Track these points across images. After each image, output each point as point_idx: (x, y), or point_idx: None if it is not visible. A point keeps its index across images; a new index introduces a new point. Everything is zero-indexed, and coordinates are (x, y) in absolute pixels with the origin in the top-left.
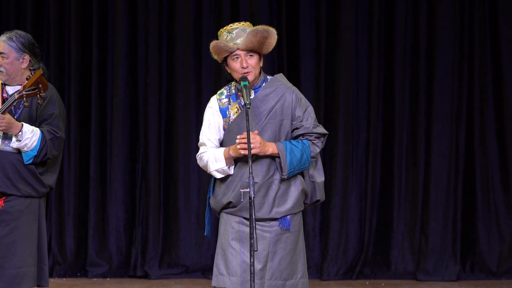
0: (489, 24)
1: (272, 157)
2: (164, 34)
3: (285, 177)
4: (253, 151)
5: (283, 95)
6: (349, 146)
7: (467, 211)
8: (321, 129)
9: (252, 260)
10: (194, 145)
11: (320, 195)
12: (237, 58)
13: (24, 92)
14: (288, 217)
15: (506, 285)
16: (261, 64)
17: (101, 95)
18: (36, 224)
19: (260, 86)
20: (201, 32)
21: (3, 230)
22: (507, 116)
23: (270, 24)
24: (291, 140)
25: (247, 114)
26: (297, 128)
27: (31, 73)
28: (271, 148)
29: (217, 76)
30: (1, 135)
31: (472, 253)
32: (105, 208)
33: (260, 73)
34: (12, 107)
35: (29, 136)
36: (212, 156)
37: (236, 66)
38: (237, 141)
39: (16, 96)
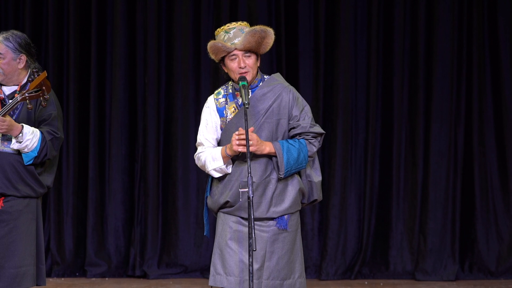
0: (487, 24)
1: (269, 156)
2: (163, 34)
3: (282, 176)
4: (250, 149)
5: (280, 95)
6: (348, 146)
7: (466, 211)
8: (318, 129)
9: (250, 260)
10: (193, 145)
11: (317, 195)
12: (234, 58)
13: (27, 94)
14: (285, 216)
15: (504, 285)
16: (258, 64)
17: (100, 95)
18: (35, 223)
19: (257, 86)
20: (199, 32)
21: (3, 230)
22: (506, 116)
23: (269, 24)
24: (288, 140)
25: (245, 114)
26: (293, 128)
27: (35, 75)
28: (268, 147)
29: (215, 76)
30: (0, 136)
31: (470, 253)
32: (104, 208)
33: (257, 72)
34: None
35: (30, 138)
36: (209, 156)
37: (233, 66)
38: (234, 137)
39: (19, 98)
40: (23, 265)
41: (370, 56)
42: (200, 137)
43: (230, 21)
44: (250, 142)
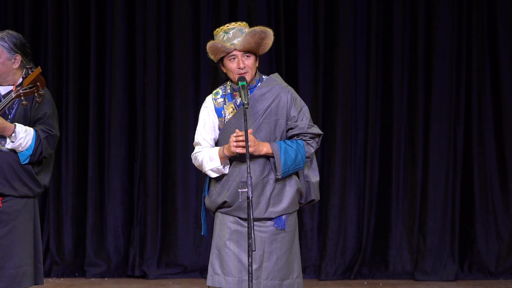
0: (487, 24)
1: (267, 157)
2: (162, 34)
3: (279, 177)
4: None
5: (278, 95)
6: (347, 145)
7: (465, 210)
8: (316, 130)
9: (250, 260)
10: (192, 145)
11: (315, 195)
12: (234, 58)
13: (21, 91)
14: (283, 217)
15: (504, 285)
16: (257, 64)
17: (99, 95)
18: (32, 223)
19: (255, 86)
20: (199, 32)
21: (2, 230)
22: (505, 116)
23: (268, 24)
24: (286, 140)
25: (245, 114)
26: (291, 128)
27: (28, 72)
28: (265, 148)
29: (215, 76)
30: None
31: (470, 252)
32: (103, 208)
33: (256, 73)
34: (6, 108)
35: (23, 136)
36: (207, 156)
37: (232, 66)
38: (232, 139)
39: (14, 95)
40: (23, 265)
41: (370, 56)
42: (197, 137)
43: (229, 21)
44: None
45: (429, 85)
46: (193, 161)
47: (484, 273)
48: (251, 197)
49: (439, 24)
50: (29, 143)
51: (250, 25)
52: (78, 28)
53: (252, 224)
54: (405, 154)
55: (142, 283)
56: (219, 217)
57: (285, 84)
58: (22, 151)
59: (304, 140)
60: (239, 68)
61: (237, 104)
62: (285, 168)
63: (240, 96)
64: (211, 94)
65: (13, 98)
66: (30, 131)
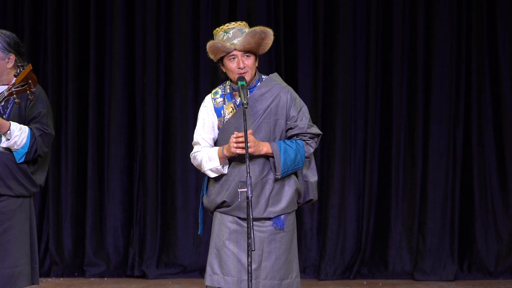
0: (486, 24)
1: (267, 156)
2: (162, 34)
3: (279, 177)
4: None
5: (278, 95)
6: (347, 145)
7: (465, 210)
8: (315, 129)
9: (249, 260)
10: (191, 145)
11: (313, 195)
12: (233, 58)
13: (13, 89)
14: (282, 216)
15: (503, 285)
16: (257, 64)
17: (99, 95)
18: (28, 223)
19: (255, 86)
20: (198, 32)
21: None
22: (505, 116)
23: (268, 24)
24: (285, 140)
25: (244, 114)
26: (291, 128)
27: (20, 70)
28: (265, 148)
29: (214, 76)
30: None
31: (469, 252)
32: (102, 208)
33: (255, 73)
34: (1, 107)
35: (18, 134)
36: (206, 156)
37: (232, 66)
38: (232, 139)
39: (6, 93)
40: (19, 265)
41: (369, 56)
42: (196, 137)
43: (229, 21)
44: (248, 144)
45: (429, 85)
46: (192, 160)
47: (483, 273)
48: (251, 196)
49: (439, 24)
50: (24, 141)
51: (250, 25)
52: (78, 28)
53: (251, 224)
54: (405, 154)
55: (142, 283)
56: (218, 217)
57: (284, 84)
58: (17, 149)
59: (304, 140)
60: (239, 68)
61: (237, 104)
62: (284, 168)
63: (240, 96)
64: (210, 94)
65: (5, 96)
66: (25, 129)
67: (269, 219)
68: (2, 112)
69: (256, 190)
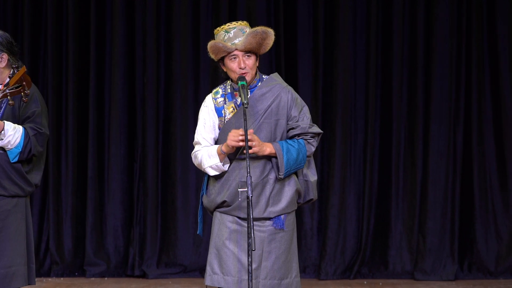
0: (486, 24)
1: (268, 157)
2: (162, 34)
3: (282, 176)
4: (251, 151)
5: (278, 95)
6: (347, 145)
7: (465, 210)
8: (316, 129)
9: (250, 259)
10: (191, 145)
11: (313, 194)
12: (234, 58)
13: (8, 91)
14: (282, 216)
15: (503, 285)
16: (258, 64)
17: (99, 95)
18: (24, 223)
19: (256, 86)
20: (198, 32)
21: None
22: (505, 116)
23: (268, 24)
24: (287, 140)
25: (245, 114)
26: (293, 128)
27: (14, 71)
28: (268, 148)
29: (214, 76)
30: None
31: (470, 252)
32: (103, 208)
33: (256, 73)
34: None
35: (12, 133)
36: (206, 153)
37: (233, 66)
38: (231, 134)
39: (0, 95)
40: (13, 265)
41: (369, 56)
42: (197, 136)
43: (229, 21)
44: (253, 143)
45: (429, 85)
46: (193, 159)
47: (483, 273)
48: (251, 196)
49: (439, 24)
50: (18, 140)
51: (250, 25)
52: (78, 28)
53: (252, 224)
54: (405, 154)
55: (142, 283)
56: (218, 216)
57: (285, 84)
58: (11, 149)
59: (305, 139)
60: (240, 68)
61: (238, 103)
62: (287, 167)
63: (240, 96)
64: (211, 93)
65: (0, 98)
66: (19, 128)
67: (269, 219)
68: None
69: (256, 190)
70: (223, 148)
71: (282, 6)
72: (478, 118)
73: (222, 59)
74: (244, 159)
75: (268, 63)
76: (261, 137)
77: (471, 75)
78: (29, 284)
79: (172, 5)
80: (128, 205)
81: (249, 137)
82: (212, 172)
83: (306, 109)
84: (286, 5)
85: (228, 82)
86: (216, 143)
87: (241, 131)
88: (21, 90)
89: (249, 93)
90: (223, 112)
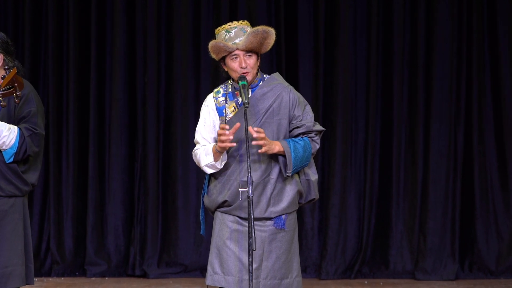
0: (487, 23)
1: (270, 156)
2: (163, 34)
3: (289, 174)
4: (262, 150)
5: (280, 94)
6: (348, 145)
7: (466, 210)
8: (319, 126)
9: (250, 259)
10: (192, 144)
11: (315, 194)
12: (235, 58)
13: (0, 92)
14: (283, 216)
15: (504, 284)
16: (259, 64)
17: (100, 95)
18: (21, 223)
19: (257, 85)
20: (199, 32)
21: None
22: (505, 116)
23: (269, 24)
24: (293, 138)
25: (245, 113)
26: (297, 127)
27: (6, 72)
28: (277, 147)
29: (215, 75)
30: None
31: (470, 252)
32: (103, 208)
33: (257, 72)
34: None
35: (6, 134)
36: (203, 152)
37: (234, 65)
38: (218, 132)
39: None
40: (10, 265)
41: (370, 56)
42: (197, 136)
43: (230, 21)
44: (262, 142)
45: (429, 85)
46: (193, 158)
47: (484, 273)
48: (252, 196)
49: (439, 24)
50: (13, 141)
51: (251, 25)
52: (78, 28)
53: (252, 223)
54: (406, 154)
55: (143, 283)
56: (219, 216)
57: (286, 83)
58: (6, 149)
59: (310, 137)
60: (241, 67)
61: (239, 103)
62: (295, 165)
63: (241, 96)
64: (212, 93)
65: None
66: (14, 129)
67: (270, 218)
68: None
69: (257, 190)
70: (217, 147)
71: (283, 5)
72: (478, 118)
73: (223, 58)
74: (245, 159)
75: (268, 62)
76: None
77: (472, 75)
78: (27, 284)
79: (172, 5)
80: (128, 204)
81: (256, 134)
82: (208, 171)
83: (308, 107)
84: (287, 5)
85: (229, 81)
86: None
87: (227, 130)
88: (13, 91)
89: (250, 92)
90: (224, 111)
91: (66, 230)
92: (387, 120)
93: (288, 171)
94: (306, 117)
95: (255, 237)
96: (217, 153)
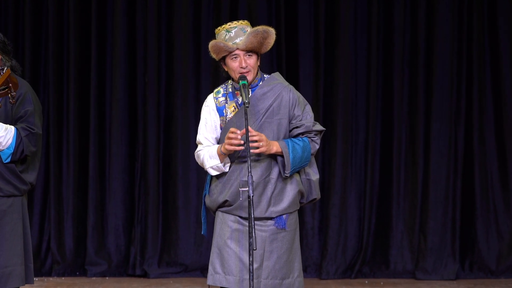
0: (488, 23)
1: (270, 156)
2: (163, 33)
3: (288, 175)
4: (259, 150)
5: (280, 94)
6: (348, 145)
7: (466, 210)
8: (319, 126)
9: (251, 259)
10: (193, 144)
11: (316, 193)
12: (236, 57)
13: None
14: (284, 216)
15: (504, 284)
16: (259, 64)
17: (100, 94)
18: (21, 223)
19: (257, 85)
20: (200, 31)
21: None
22: (506, 115)
23: (269, 23)
24: (292, 138)
25: (246, 113)
26: (297, 127)
27: (0, 73)
28: (275, 147)
29: (215, 75)
30: None
31: (471, 252)
32: (104, 207)
33: (257, 72)
34: None
35: (3, 134)
36: (207, 154)
37: (234, 65)
38: (229, 135)
39: None
40: (9, 265)
41: (370, 55)
42: (199, 136)
43: (230, 21)
44: (261, 143)
45: (430, 84)
46: (196, 159)
47: (485, 272)
48: (252, 196)
49: (440, 23)
50: (10, 141)
51: (251, 24)
52: (79, 27)
53: (253, 223)
54: (406, 153)
55: (143, 282)
56: (220, 216)
57: (286, 83)
58: (3, 149)
59: (309, 137)
60: (241, 67)
61: (239, 103)
62: (293, 165)
63: (241, 95)
64: (212, 93)
65: None
66: (11, 129)
67: (271, 218)
68: None
69: (258, 189)
70: (222, 149)
71: (283, 5)
72: (479, 118)
73: (223, 58)
74: (246, 159)
75: (269, 62)
76: None
77: (472, 74)
78: (27, 284)
79: (173, 4)
80: (129, 204)
81: (257, 137)
82: (213, 172)
83: (308, 107)
84: (287, 5)
85: (230, 81)
86: (218, 142)
87: (238, 134)
88: (8, 92)
89: (250, 92)
90: (224, 111)
91: (67, 230)
92: (387, 120)
93: (286, 172)
94: (306, 117)
95: (255, 236)
96: (222, 155)
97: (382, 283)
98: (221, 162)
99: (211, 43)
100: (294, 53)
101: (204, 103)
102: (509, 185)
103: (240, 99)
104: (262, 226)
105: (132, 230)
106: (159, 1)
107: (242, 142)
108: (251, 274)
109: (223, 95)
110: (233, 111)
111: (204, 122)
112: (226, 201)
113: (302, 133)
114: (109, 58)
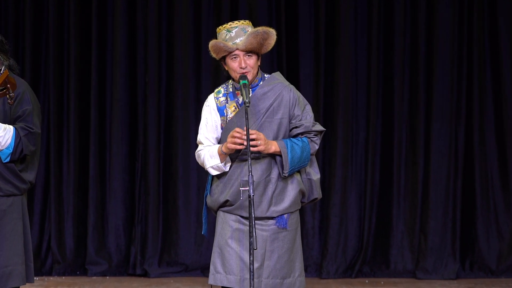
0: (488, 23)
1: (271, 156)
2: (164, 33)
3: (286, 175)
4: (257, 149)
5: (280, 94)
6: (348, 144)
7: (467, 209)
8: (319, 127)
9: (251, 258)
10: (193, 144)
11: (318, 193)
12: (235, 58)
13: None
14: (285, 216)
15: (505, 284)
16: (259, 63)
17: (101, 94)
18: (21, 222)
19: (257, 85)
20: (200, 31)
21: None
22: (506, 115)
23: (269, 23)
24: (291, 138)
25: (246, 113)
26: (296, 127)
27: None
28: (273, 146)
29: (216, 75)
30: None
31: (471, 251)
32: (104, 207)
33: (257, 72)
34: None
35: (2, 134)
36: (208, 153)
37: (234, 65)
38: (230, 136)
39: None
40: (9, 265)
41: (371, 55)
42: (200, 136)
43: (231, 20)
44: (258, 142)
45: (430, 84)
46: (197, 159)
47: (485, 272)
48: (253, 195)
49: (440, 23)
50: (9, 141)
51: (251, 24)
52: (79, 27)
53: (253, 223)
54: (406, 153)
55: (144, 282)
56: (221, 216)
57: (287, 82)
58: (2, 149)
59: (309, 138)
60: (241, 67)
61: (239, 102)
62: (292, 165)
63: (242, 95)
64: (213, 93)
65: None
66: (10, 129)
67: (272, 218)
68: None
69: (258, 189)
70: (223, 148)
71: (284, 5)
72: (479, 117)
73: (224, 58)
74: (246, 159)
75: (269, 62)
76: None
77: (473, 74)
78: (27, 283)
79: (173, 4)
80: (129, 204)
81: (255, 135)
82: (214, 172)
83: (308, 107)
84: (288, 4)
85: (230, 81)
86: (219, 142)
87: (243, 134)
88: (6, 92)
89: (250, 92)
90: (225, 111)
91: (67, 230)
92: (387, 119)
93: (285, 171)
94: (306, 117)
95: (256, 236)
96: (223, 154)
97: (382, 282)
98: (221, 162)
99: (211, 43)
100: (294, 53)
101: (205, 103)
102: (509, 184)
103: (240, 99)
104: (263, 226)
105: (132, 230)
106: (159, 1)
107: (245, 142)
108: (252, 274)
109: (223, 95)
110: (234, 111)
111: (205, 122)
112: (227, 201)
113: (302, 133)
114: (109, 58)
